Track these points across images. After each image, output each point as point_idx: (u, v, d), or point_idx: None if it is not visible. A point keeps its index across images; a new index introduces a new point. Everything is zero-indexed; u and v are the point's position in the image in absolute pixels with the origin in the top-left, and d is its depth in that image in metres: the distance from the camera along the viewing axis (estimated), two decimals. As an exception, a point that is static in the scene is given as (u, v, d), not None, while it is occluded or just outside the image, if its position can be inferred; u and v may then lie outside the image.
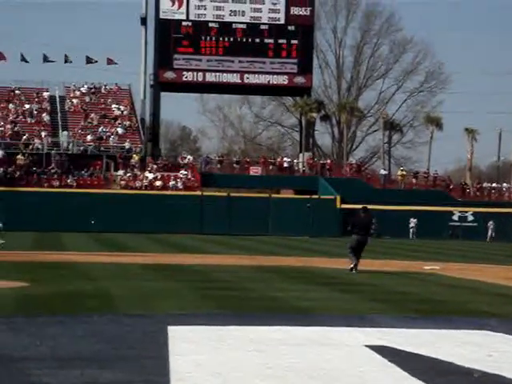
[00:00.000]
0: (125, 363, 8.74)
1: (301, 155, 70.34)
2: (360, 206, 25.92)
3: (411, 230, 59.15)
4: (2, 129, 62.51)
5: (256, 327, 11.74)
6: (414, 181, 69.66)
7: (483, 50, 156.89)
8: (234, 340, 10.48)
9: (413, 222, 59.11)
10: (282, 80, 67.65)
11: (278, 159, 70.19)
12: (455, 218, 61.32)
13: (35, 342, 10.03)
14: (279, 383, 7.71)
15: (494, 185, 73.80)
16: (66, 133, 62.82)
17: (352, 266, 24.41)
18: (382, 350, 9.57)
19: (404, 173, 70.22)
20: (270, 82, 67.63)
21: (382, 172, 71.31)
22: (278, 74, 67.36)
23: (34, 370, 8.20)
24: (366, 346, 9.92)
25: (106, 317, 12.69)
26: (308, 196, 60.09)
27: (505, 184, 75.53)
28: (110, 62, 70.30)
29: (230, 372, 8.23)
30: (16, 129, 62.77)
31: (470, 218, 61.88)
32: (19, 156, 58.87)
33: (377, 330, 11.64)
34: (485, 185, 73.32)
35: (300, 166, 68.39)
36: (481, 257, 36.64)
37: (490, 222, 60.57)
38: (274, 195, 62.52)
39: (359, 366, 8.73)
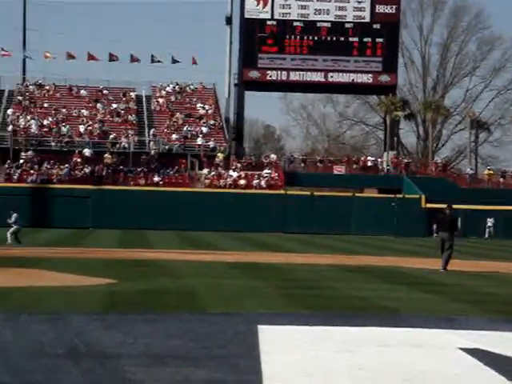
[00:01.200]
0: (217, 362, 8.86)
1: (385, 154, 69.85)
2: (445, 206, 25.72)
3: (487, 230, 58.20)
4: (90, 128, 63.69)
5: (344, 327, 11.76)
6: (501, 180, 68.51)
7: None
8: (323, 340, 10.52)
9: (489, 221, 58.13)
10: (367, 78, 67.32)
11: (362, 158, 69.86)
12: (544, 217, 60.08)
13: (129, 339, 10.24)
14: (370, 385, 7.74)
15: None
16: (152, 131, 63.70)
17: (441, 265, 24.55)
18: (477, 353, 9.48)
19: (491, 172, 69.12)
20: (355, 81, 67.36)
21: (469, 171, 70.33)
22: (362, 72, 67.06)
23: (128, 367, 8.37)
24: (460, 348, 9.84)
25: (196, 315, 12.86)
26: (392, 195, 59.65)
27: None
28: (194, 61, 71.00)
29: (321, 372, 8.29)
30: (104, 128, 63.89)
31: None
32: (106, 155, 59.89)
33: (468, 332, 11.54)
34: None
35: (384, 164, 67.93)
36: None
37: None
38: (357, 194, 62.21)
39: (454, 368, 8.67)
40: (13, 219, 33.37)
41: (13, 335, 10.33)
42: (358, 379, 7.96)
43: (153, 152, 60.93)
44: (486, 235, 57.73)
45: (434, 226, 25.40)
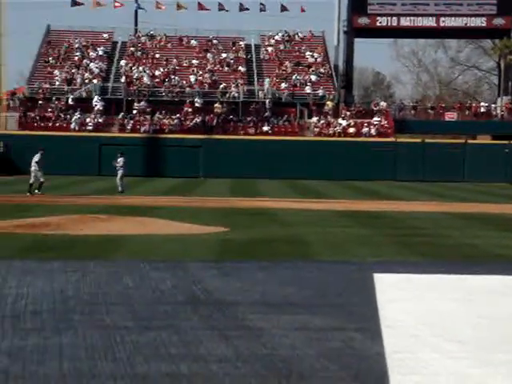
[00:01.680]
0: (334, 310, 8.92)
1: (499, 99, 68.15)
2: None
3: None
4: (201, 78, 64.18)
5: (459, 275, 11.66)
6: None
7: None
8: (438, 288, 10.47)
9: None
10: (480, 22, 65.56)
11: (475, 104, 68.40)
12: None
13: (245, 286, 10.40)
14: (491, 333, 7.68)
15: None
16: (267, 80, 63.69)
17: None
18: None
19: None
20: (467, 25, 65.71)
21: None
22: (475, 15, 65.33)
23: (246, 315, 8.51)
24: None
25: (309, 263, 12.96)
26: (506, 141, 58.32)
27: None
28: (303, 9, 70.50)
29: (439, 320, 8.26)
30: (213, 78, 64.28)
31: None
32: (217, 105, 60.32)
33: None
34: None
35: (498, 110, 66.31)
36: None
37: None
38: (469, 141, 61.07)
39: None
40: (120, 163, 33.74)
41: (134, 282, 10.63)
42: (477, 328, 7.91)
43: (268, 102, 60.98)
44: None
45: None
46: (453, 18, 65.53)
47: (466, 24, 65.82)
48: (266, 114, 60.29)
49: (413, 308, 9.00)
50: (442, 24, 65.79)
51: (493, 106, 67.53)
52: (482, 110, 65.68)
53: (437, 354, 6.75)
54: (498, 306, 9.12)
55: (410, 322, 8.19)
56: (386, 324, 7.90)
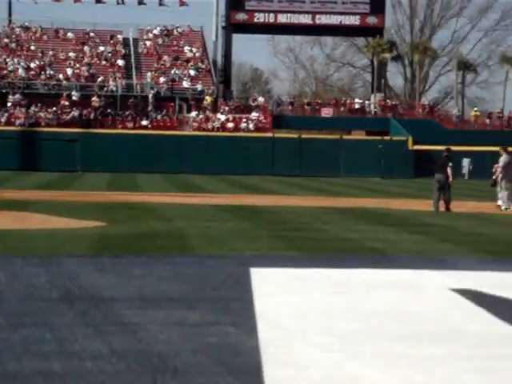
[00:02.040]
0: (211, 304, 8.96)
1: (372, 96, 69.77)
2: (432, 148, 26.07)
3: (465, 170, 58.05)
4: (78, 71, 63.26)
5: (334, 269, 11.88)
6: (487, 121, 68.62)
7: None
8: (315, 282, 10.65)
9: (466, 161, 58.02)
10: (354, 20, 66.92)
11: (349, 100, 69.76)
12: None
13: (122, 282, 10.34)
14: (363, 326, 7.85)
15: None
16: (150, 74, 63.17)
17: (436, 206, 25.11)
18: (468, 294, 9.60)
19: (477, 113, 69.24)
20: (342, 23, 66.98)
21: (455, 113, 70.39)
22: (349, 14, 66.63)
23: (123, 311, 8.46)
24: (451, 289, 9.96)
25: (188, 258, 12.97)
26: (379, 137, 59.73)
27: None
28: (182, 3, 70.33)
29: (314, 314, 8.41)
30: (91, 71, 63.45)
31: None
32: (94, 98, 59.60)
33: (459, 273, 11.67)
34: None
35: (371, 107, 67.88)
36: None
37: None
38: (345, 137, 62.29)
39: (446, 309, 8.79)
40: None
41: (6, 278, 10.41)
42: (350, 321, 8.08)
43: (150, 96, 60.55)
44: (466, 176, 57.52)
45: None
46: (328, 16, 66.64)
47: (340, 22, 67.06)
48: (149, 108, 59.93)
49: (287, 302, 9.13)
50: (317, 21, 66.85)
51: (367, 102, 69.09)
52: (357, 106, 67.13)
53: (310, 348, 6.86)
54: (372, 300, 9.34)
55: (284, 315, 8.31)
56: (261, 318, 7.99)
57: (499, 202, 26.89)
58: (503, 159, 26.86)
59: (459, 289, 9.92)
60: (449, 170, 25.64)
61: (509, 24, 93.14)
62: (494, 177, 27.37)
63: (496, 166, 27.32)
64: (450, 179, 25.64)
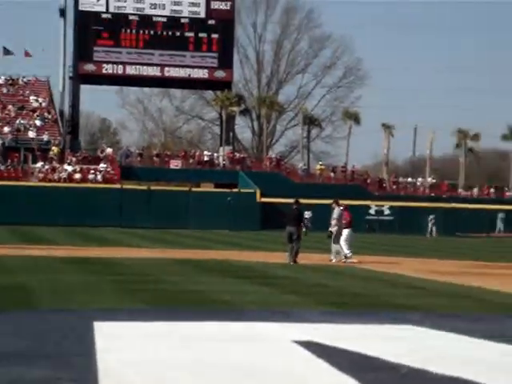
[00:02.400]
0: (52, 360, 8.69)
1: (221, 149, 70.47)
2: (279, 200, 26.55)
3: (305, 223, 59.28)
4: None
5: (182, 322, 11.77)
6: (332, 175, 70.45)
7: (401, 47, 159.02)
8: (161, 336, 10.51)
9: (307, 214, 59.37)
10: (203, 74, 67.62)
11: (198, 153, 70.18)
12: (372, 211, 62.22)
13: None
14: (209, 380, 7.80)
15: (409, 179, 75.12)
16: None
17: (290, 259, 25.57)
18: (310, 345, 9.68)
19: (322, 167, 70.98)
20: (191, 76, 67.55)
21: (302, 166, 71.93)
22: (198, 67, 67.31)
23: (-42, 368, 8.10)
24: (294, 341, 10.02)
25: (30, 313, 12.59)
26: (228, 190, 60.25)
27: (420, 179, 76.93)
28: (27, 54, 69.29)
29: (159, 369, 8.29)
30: None
31: (387, 211, 62.85)
32: None
33: (302, 325, 11.77)
34: (401, 179, 74.59)
35: (220, 159, 68.49)
36: (397, 250, 37.28)
37: (431, 217, 60.92)
38: (194, 189, 62.50)
39: (287, 361, 8.84)
40: None
41: None
42: (195, 375, 8.00)
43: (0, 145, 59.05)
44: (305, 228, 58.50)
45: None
46: (177, 69, 67.15)
47: (189, 75, 67.64)
48: None
49: (132, 356, 8.97)
50: (166, 74, 67.17)
51: (215, 154, 69.71)
52: (206, 158, 67.61)
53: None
54: (217, 353, 9.30)
55: (128, 371, 8.15)
56: (104, 374, 7.81)
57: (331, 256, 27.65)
58: (337, 212, 27.57)
59: (301, 341, 10.00)
60: (302, 223, 26.29)
61: (351, 81, 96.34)
62: (330, 229, 28.07)
63: (333, 218, 28.00)
64: (303, 230, 26.34)
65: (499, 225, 63.26)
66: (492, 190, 75.15)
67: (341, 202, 29.12)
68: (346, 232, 27.92)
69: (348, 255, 27.63)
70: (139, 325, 11.35)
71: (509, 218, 63.50)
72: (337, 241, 27.40)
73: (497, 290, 18.83)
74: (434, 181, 76.14)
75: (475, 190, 74.45)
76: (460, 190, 74.44)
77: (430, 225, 60.22)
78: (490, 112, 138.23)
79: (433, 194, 70.31)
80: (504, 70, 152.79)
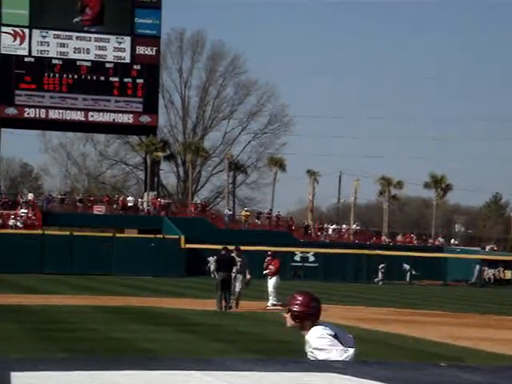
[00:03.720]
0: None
1: (145, 194, 70.02)
2: (204, 246, 26.38)
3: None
4: None
5: (103, 372, 11.40)
6: (257, 221, 70.54)
7: (326, 93, 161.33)
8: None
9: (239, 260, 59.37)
10: (127, 119, 67.27)
11: (122, 198, 69.62)
12: (297, 258, 62.32)
13: None
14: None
15: (334, 226, 75.67)
16: None
17: (219, 306, 25.39)
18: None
19: (248, 213, 71.03)
20: (115, 121, 67.12)
21: (227, 212, 71.89)
22: (123, 112, 66.96)
23: None
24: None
25: None
26: (152, 235, 59.74)
27: (344, 225, 77.59)
28: None
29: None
30: None
31: (312, 258, 63.03)
32: None
33: (224, 373, 11.48)
34: (325, 226, 75.09)
35: (144, 205, 68.04)
36: (322, 297, 37.26)
37: (382, 265, 61.02)
38: (117, 234, 61.80)
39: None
40: None
41: None
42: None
43: None
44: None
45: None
46: (101, 113, 66.70)
47: (113, 120, 67.22)
48: None
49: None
50: (90, 118, 66.63)
51: (140, 200, 69.25)
52: (130, 204, 67.05)
53: None
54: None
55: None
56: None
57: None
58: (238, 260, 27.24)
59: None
60: (233, 269, 26.19)
61: (276, 128, 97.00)
62: (248, 276, 28.03)
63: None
64: (248, 277, 26.27)
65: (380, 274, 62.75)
66: (415, 238, 76.15)
67: (268, 248, 29.19)
68: (274, 279, 27.90)
69: (275, 302, 27.55)
70: (57, 374, 10.96)
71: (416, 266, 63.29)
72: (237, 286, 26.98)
73: (422, 337, 18.91)
74: (359, 227, 76.85)
75: (399, 237, 75.31)
76: (383, 237, 75.22)
77: (379, 273, 60.39)
78: (413, 160, 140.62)
79: (357, 241, 70.87)
80: (427, 116, 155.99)
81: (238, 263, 26.74)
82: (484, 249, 76.13)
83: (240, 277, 26.82)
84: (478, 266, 64.05)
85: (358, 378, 11.77)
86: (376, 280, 60.06)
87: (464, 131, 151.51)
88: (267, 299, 27.74)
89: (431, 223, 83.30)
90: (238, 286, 26.81)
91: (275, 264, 28.27)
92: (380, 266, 60.49)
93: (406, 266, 61.04)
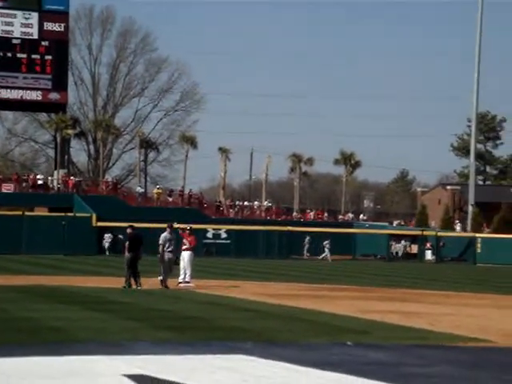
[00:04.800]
0: None
1: (55, 172, 69.08)
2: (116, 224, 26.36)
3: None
4: None
5: (11, 359, 11.19)
6: (169, 199, 70.33)
7: (237, 72, 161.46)
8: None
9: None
10: (36, 96, 66.14)
11: (32, 176, 68.53)
12: (209, 235, 62.42)
13: None
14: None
15: (246, 203, 76.00)
16: None
17: (127, 283, 25.58)
18: (141, 380, 9.49)
19: (160, 191, 70.73)
20: (23, 98, 65.94)
21: (139, 190, 71.47)
22: (31, 89, 65.80)
23: None
24: (124, 375, 9.78)
25: None
26: (63, 214, 59.05)
27: (256, 202, 77.97)
28: None
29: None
30: None
31: (224, 235, 63.23)
32: None
33: (133, 357, 11.43)
34: (237, 203, 75.35)
35: (55, 183, 67.13)
36: (236, 273, 37.46)
37: (326, 242, 61.36)
38: (27, 213, 60.90)
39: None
40: None
41: None
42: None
43: None
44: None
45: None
46: (9, 90, 65.45)
47: (21, 97, 66.04)
48: None
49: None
50: (-3, 95, 65.31)
51: (50, 178, 68.30)
52: (40, 182, 66.07)
53: None
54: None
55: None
56: None
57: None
58: (164, 235, 27.10)
59: (132, 374, 9.78)
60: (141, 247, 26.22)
61: (187, 105, 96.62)
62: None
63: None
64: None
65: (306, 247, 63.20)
66: (326, 214, 77.03)
67: (183, 225, 29.16)
68: (188, 254, 27.65)
69: (187, 279, 27.55)
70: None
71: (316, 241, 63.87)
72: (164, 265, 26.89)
73: (331, 312, 19.22)
74: (270, 204, 77.34)
75: (311, 214, 76.04)
76: (294, 213, 75.89)
77: (326, 249, 60.72)
78: (324, 137, 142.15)
79: (268, 218, 71.34)
80: (338, 95, 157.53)
81: (171, 241, 26.77)
82: (391, 224, 77.55)
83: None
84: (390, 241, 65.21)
85: (264, 360, 11.95)
86: (321, 257, 60.34)
87: (372, 109, 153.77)
88: (179, 275, 27.70)
89: (341, 199, 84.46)
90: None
91: (191, 240, 28.11)
92: (324, 243, 60.88)
93: (326, 243, 61.66)
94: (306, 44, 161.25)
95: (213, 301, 21.92)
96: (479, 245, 64.27)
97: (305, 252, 63.03)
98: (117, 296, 22.62)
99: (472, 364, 11.92)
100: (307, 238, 62.86)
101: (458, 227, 73.59)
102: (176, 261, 27.04)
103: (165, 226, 27.43)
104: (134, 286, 25.74)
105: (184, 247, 27.77)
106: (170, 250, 26.53)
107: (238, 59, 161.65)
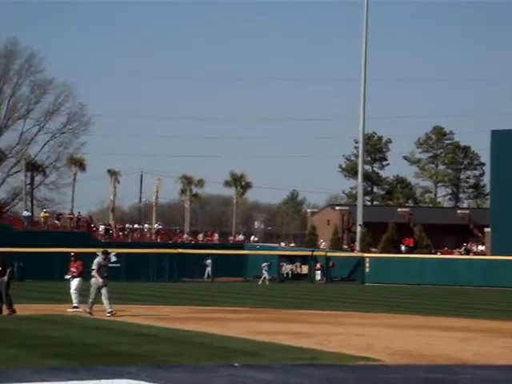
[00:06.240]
0: None
1: None
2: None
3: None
4: None
5: None
6: (57, 222, 69.10)
7: (125, 92, 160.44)
8: None
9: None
10: None
11: None
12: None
13: None
14: None
15: (136, 225, 75.37)
16: None
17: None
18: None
19: (46, 214, 69.42)
20: None
21: (25, 214, 70.02)
22: None
23: None
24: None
25: None
26: None
27: (146, 225, 77.44)
28: None
29: None
30: None
31: (114, 258, 62.35)
32: None
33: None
34: (127, 225, 74.65)
35: None
36: (126, 297, 36.96)
37: (209, 261, 60.77)
38: None
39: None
40: None
41: None
42: None
43: None
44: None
45: None
46: None
47: None
48: None
49: None
50: None
51: None
52: None
53: None
54: None
55: None
56: None
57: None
58: (97, 260, 26.63)
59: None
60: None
61: (75, 127, 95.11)
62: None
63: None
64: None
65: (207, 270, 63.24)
66: (216, 236, 77.04)
67: (69, 250, 28.72)
68: (76, 281, 27.45)
69: (76, 305, 27.14)
70: None
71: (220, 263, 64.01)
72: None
73: (222, 334, 19.16)
74: (161, 227, 76.88)
75: (200, 236, 75.92)
76: (185, 236, 75.62)
77: (264, 272, 60.29)
78: (213, 159, 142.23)
79: (159, 240, 70.85)
80: (227, 117, 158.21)
81: (105, 267, 26.37)
82: (280, 245, 78.16)
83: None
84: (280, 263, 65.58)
85: (150, 383, 11.73)
86: (260, 280, 59.82)
87: (262, 131, 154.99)
88: (71, 301, 27.24)
89: (232, 221, 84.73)
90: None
91: (78, 266, 27.82)
92: (263, 265, 60.71)
93: (208, 263, 61.57)
94: (196, 67, 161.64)
95: (101, 326, 21.56)
96: (367, 264, 65.35)
97: (206, 275, 62.33)
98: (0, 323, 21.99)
99: (358, 382, 12.02)
100: (208, 260, 62.49)
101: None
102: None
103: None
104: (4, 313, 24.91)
105: (71, 274, 27.55)
106: (104, 275, 26.18)
107: (125, 81, 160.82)
